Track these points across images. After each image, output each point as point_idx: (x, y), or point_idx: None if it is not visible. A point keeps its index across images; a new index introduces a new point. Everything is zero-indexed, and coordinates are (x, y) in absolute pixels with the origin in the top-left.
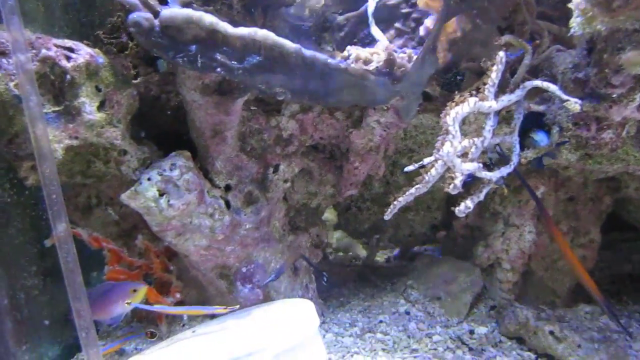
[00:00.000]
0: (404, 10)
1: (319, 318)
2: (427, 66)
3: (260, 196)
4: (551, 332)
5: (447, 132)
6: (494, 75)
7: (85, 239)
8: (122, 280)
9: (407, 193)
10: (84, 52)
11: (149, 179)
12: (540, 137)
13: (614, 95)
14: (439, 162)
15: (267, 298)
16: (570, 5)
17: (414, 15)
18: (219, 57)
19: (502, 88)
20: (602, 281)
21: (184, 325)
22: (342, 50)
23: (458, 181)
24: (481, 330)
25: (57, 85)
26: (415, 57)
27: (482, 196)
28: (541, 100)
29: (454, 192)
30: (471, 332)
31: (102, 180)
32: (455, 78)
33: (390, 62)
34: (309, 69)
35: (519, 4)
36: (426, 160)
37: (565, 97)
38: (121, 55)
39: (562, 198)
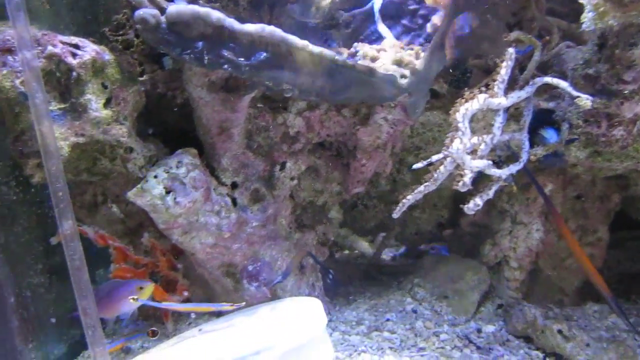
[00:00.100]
0: (411, 7)
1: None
2: (435, 63)
3: (266, 194)
4: (559, 331)
5: (457, 129)
6: (504, 71)
7: (91, 236)
8: (129, 278)
9: (415, 191)
10: (90, 49)
11: (155, 177)
12: (549, 134)
13: (626, 92)
14: (448, 159)
15: (273, 296)
16: (581, 0)
17: (421, 12)
18: (226, 54)
19: (511, 85)
20: (610, 280)
21: (190, 323)
22: (349, 47)
23: (467, 178)
24: (489, 328)
25: (63, 83)
26: (422, 54)
27: (491, 194)
28: (550, 97)
29: (464, 190)
30: (479, 330)
31: (108, 178)
32: (464, 75)
33: (397, 58)
34: (317, 65)
35: (529, 0)
36: (434, 158)
37: (576, 93)
38: (127, 53)
39: (570, 196)
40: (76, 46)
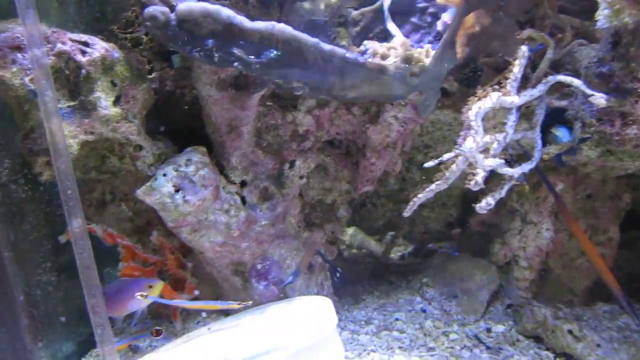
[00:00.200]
0: (420, 5)
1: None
2: (446, 61)
3: (276, 192)
4: (570, 331)
5: (469, 128)
6: (517, 69)
7: (100, 235)
8: (137, 276)
9: (427, 190)
10: (99, 47)
11: (164, 175)
12: (562, 133)
13: None
14: (460, 158)
15: (282, 295)
16: None
17: (431, 10)
18: (236, 51)
19: (523, 83)
20: (620, 280)
21: (198, 322)
22: (358, 45)
23: (480, 177)
24: (498, 328)
25: (72, 80)
26: (433, 52)
27: (503, 193)
28: (562, 96)
29: (476, 189)
30: (488, 330)
31: (117, 176)
32: (474, 73)
33: (408, 56)
34: (327, 63)
35: None
36: (446, 157)
37: (590, 92)
38: (135, 50)
39: (581, 195)
40: (85, 44)
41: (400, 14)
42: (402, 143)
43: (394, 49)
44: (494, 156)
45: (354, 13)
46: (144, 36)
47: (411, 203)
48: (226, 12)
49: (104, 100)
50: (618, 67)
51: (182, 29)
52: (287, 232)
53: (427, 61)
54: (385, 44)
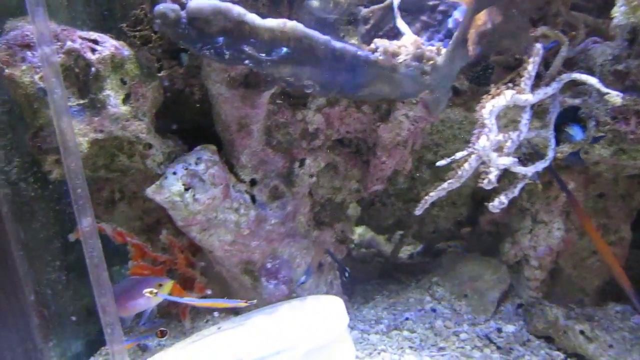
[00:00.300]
0: (430, 3)
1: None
2: (458, 59)
3: (286, 191)
4: (581, 332)
5: (483, 126)
6: (531, 67)
7: (109, 233)
8: (146, 275)
9: (439, 188)
10: (109, 45)
11: (174, 173)
12: (575, 132)
13: None
14: (473, 156)
15: (291, 294)
16: None
17: (441, 7)
18: (247, 49)
19: (536, 81)
20: (632, 279)
21: (207, 321)
22: (367, 43)
23: (493, 176)
24: (509, 328)
25: (81, 78)
26: (444, 50)
27: (516, 192)
28: (576, 94)
29: (489, 187)
30: (499, 330)
31: (126, 175)
32: (485, 71)
33: (419, 55)
34: (339, 61)
35: None
36: (458, 155)
37: (605, 90)
38: (144, 48)
39: (592, 194)
40: (95, 41)
41: (410, 12)
42: (412, 142)
43: (404, 47)
44: (507, 155)
45: (364, 11)
46: (153, 34)
47: (423, 201)
48: (237, 10)
49: (114, 99)
50: (634, 65)
51: (192, 26)
52: (297, 231)
53: (439, 59)
54: (395, 42)
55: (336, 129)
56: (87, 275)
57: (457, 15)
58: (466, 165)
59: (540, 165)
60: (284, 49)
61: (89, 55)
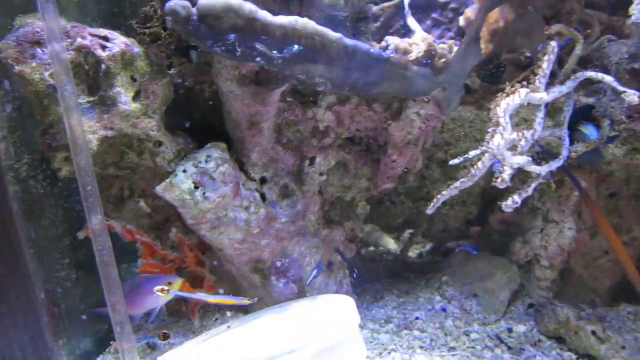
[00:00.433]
0: (441, 0)
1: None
2: (470, 57)
3: (296, 189)
4: (593, 332)
5: (497, 124)
6: (545, 65)
7: (119, 231)
8: (155, 273)
9: (451, 187)
10: (119, 41)
11: (184, 171)
12: (589, 131)
13: None
14: (487, 155)
15: (301, 292)
16: None
17: (452, 5)
18: (258, 46)
19: (550, 79)
20: None
21: (216, 319)
22: (378, 41)
23: (507, 175)
24: (520, 328)
25: (91, 75)
26: (456, 47)
27: (530, 191)
28: (590, 92)
29: (502, 187)
30: (509, 330)
31: (135, 172)
32: (497, 69)
33: (430, 52)
34: (351, 58)
35: None
36: (472, 153)
37: (622, 88)
38: (154, 45)
39: (604, 194)
40: (105, 38)
41: (421, 10)
42: (423, 140)
43: (416, 44)
44: (521, 153)
45: (374, 8)
46: (162, 31)
47: (434, 200)
48: (248, 7)
49: (124, 96)
50: None
51: (203, 23)
52: (306, 229)
53: (451, 57)
54: (407, 40)
55: (347, 127)
56: (96, 273)
57: (469, 13)
58: (479, 164)
59: (554, 165)
60: (296, 46)
61: (99, 52)
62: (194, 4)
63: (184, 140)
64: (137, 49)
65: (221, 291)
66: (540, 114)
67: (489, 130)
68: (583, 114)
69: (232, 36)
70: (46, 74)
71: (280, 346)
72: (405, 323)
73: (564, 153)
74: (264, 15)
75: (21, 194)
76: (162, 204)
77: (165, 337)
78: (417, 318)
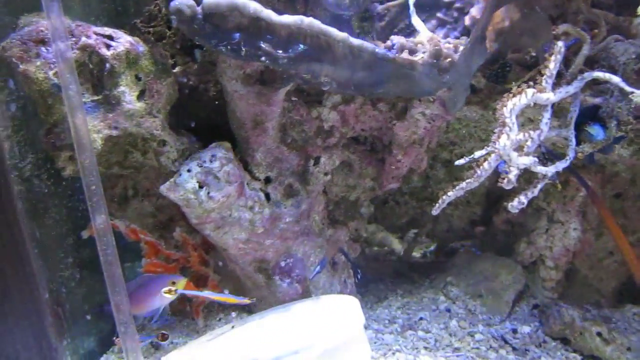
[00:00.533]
0: (446, 0)
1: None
2: (476, 56)
3: (300, 189)
4: (599, 334)
5: (504, 125)
6: (552, 65)
7: (123, 231)
8: (159, 273)
9: (457, 188)
10: (124, 40)
11: (188, 171)
12: (596, 131)
13: None
14: (493, 155)
15: (305, 292)
16: None
17: (457, 4)
18: (264, 46)
19: (556, 79)
20: None
21: (220, 319)
22: (383, 40)
23: (513, 176)
24: (524, 329)
25: (96, 74)
26: (461, 47)
27: (536, 192)
28: (596, 93)
29: (508, 187)
30: (514, 331)
31: (139, 171)
32: (503, 69)
33: (436, 52)
34: (356, 58)
35: None
36: (477, 154)
37: (629, 89)
38: (158, 45)
39: (609, 194)
40: (110, 37)
41: (426, 9)
42: (428, 140)
43: (421, 44)
44: (527, 154)
45: (379, 7)
46: (167, 30)
47: (440, 201)
48: (253, 6)
49: (128, 95)
50: None
51: (208, 22)
52: (311, 229)
53: (457, 57)
54: (412, 39)
55: (351, 126)
56: (99, 272)
57: (474, 12)
58: (485, 164)
59: (560, 165)
60: (301, 46)
61: (104, 51)
62: (198, 3)
63: (189, 139)
64: (141, 48)
65: (226, 291)
66: (547, 115)
67: (496, 130)
68: (590, 115)
69: (237, 35)
70: (51, 73)
71: (285, 347)
72: (409, 323)
73: (571, 154)
74: (269, 14)
75: (25, 193)
76: (167, 203)
77: (164, 337)
78: (421, 318)
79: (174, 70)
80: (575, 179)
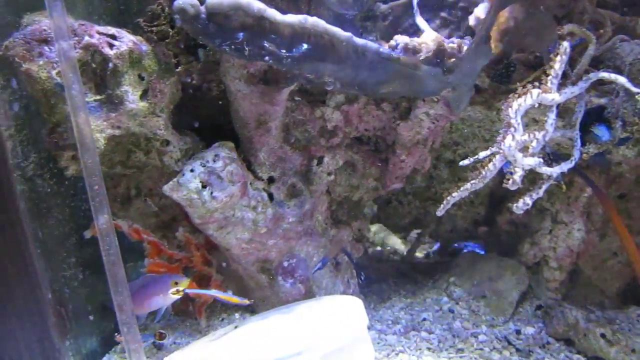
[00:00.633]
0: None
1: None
2: (480, 56)
3: (303, 189)
4: (602, 335)
5: (509, 125)
6: (557, 65)
7: (126, 230)
8: (162, 273)
9: (462, 188)
10: (127, 40)
11: (191, 170)
12: (601, 132)
13: None
14: (498, 156)
15: (308, 293)
16: None
17: (461, 4)
18: (267, 45)
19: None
20: None
21: (222, 319)
22: (387, 40)
23: (518, 176)
24: (528, 330)
25: (99, 74)
26: (465, 47)
27: (541, 193)
28: (601, 93)
29: (513, 188)
30: (517, 332)
31: (142, 171)
32: (507, 69)
33: (440, 52)
34: (360, 58)
35: None
36: (482, 155)
37: (635, 89)
38: (161, 44)
39: (613, 195)
40: (113, 36)
41: (430, 9)
42: (432, 140)
43: (425, 44)
44: (532, 155)
45: (383, 7)
46: (170, 29)
47: (444, 202)
48: (257, 5)
49: (131, 94)
50: None
51: (211, 22)
52: (314, 229)
53: (461, 57)
54: (416, 39)
55: (355, 126)
56: (101, 272)
57: (479, 12)
58: (490, 165)
59: (565, 166)
60: (305, 46)
61: (107, 50)
62: (202, 2)
63: (192, 139)
64: (145, 47)
65: (230, 292)
66: (552, 115)
67: (501, 131)
68: (595, 115)
69: (240, 35)
70: (53, 72)
71: (288, 347)
72: (412, 324)
73: (576, 154)
74: (273, 13)
75: (28, 193)
76: (169, 203)
77: (162, 337)
78: (424, 319)
79: (177, 70)
80: (582, 179)
